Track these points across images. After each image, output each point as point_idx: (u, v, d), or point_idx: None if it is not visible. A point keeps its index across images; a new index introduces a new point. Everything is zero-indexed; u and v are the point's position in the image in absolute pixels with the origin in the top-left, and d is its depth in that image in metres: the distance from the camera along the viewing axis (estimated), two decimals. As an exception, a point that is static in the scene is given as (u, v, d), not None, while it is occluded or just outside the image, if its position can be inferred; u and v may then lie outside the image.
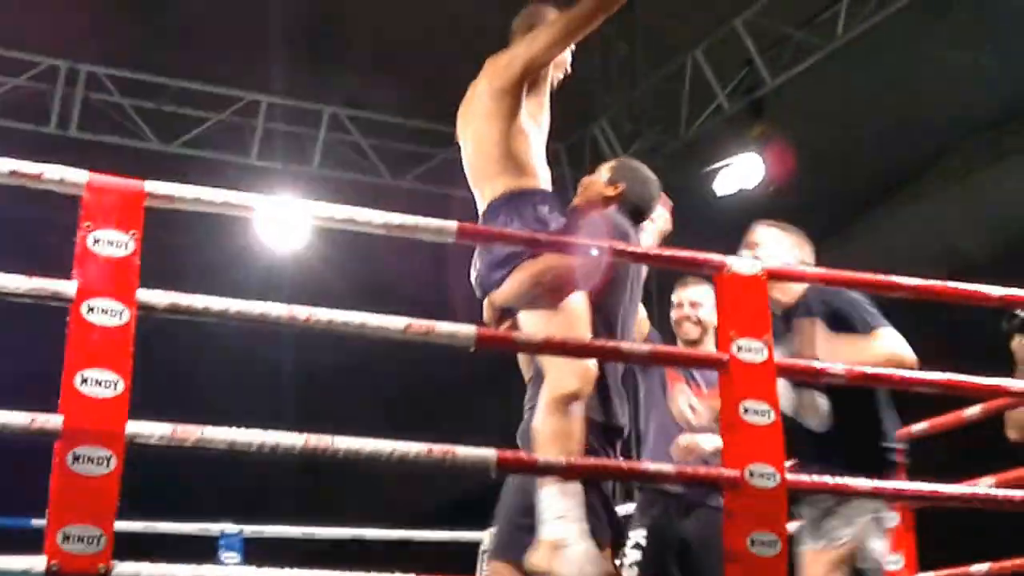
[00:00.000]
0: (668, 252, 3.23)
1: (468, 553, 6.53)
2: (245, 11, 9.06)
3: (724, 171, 9.13)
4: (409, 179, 10.01)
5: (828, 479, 3.29)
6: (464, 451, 2.67)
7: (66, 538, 2.25)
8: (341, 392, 11.72)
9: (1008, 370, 4.33)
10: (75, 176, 2.54)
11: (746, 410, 2.89)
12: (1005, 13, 8.70)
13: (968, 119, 9.67)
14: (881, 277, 3.58)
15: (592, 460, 3.13)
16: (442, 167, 10.08)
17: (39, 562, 2.25)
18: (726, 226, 8.98)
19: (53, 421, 2.32)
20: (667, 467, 3.52)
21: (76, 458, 2.30)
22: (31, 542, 2.33)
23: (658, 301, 10.29)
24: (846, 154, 9.75)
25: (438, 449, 2.63)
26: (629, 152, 10.04)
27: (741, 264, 3.06)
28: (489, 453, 2.67)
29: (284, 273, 9.31)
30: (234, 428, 2.49)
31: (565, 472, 2.88)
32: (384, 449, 2.54)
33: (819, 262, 4.11)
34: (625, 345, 3.16)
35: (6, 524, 5.95)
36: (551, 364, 3.21)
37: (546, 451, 2.98)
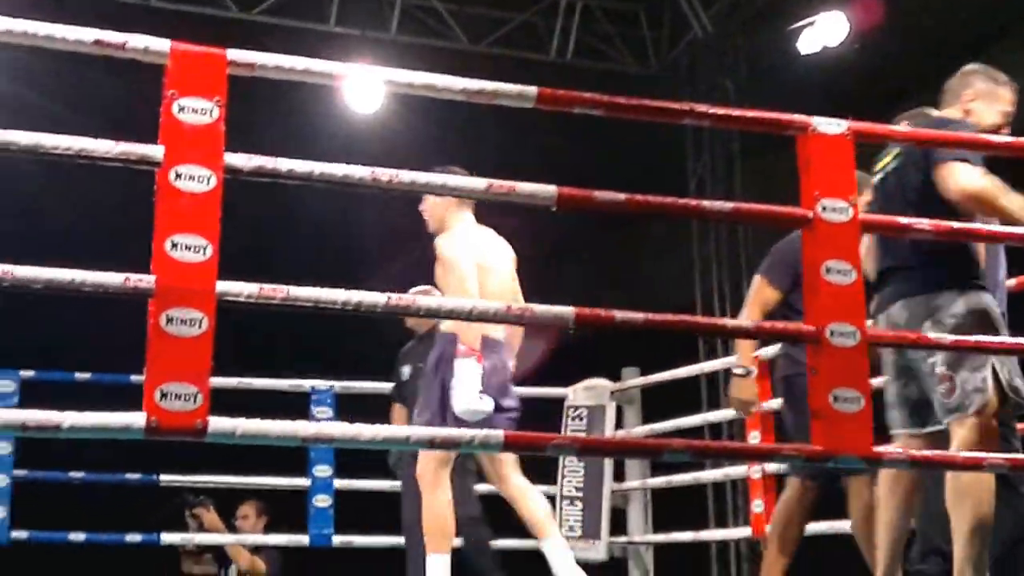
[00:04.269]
0: (751, 114, 3.20)
1: (547, 410, 6.64)
2: None
3: (808, 29, 8.97)
4: (487, 44, 9.93)
5: (909, 334, 3.30)
6: (542, 308, 2.74)
7: (163, 396, 2.33)
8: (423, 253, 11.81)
9: None
10: (158, 45, 2.57)
11: (828, 270, 2.90)
12: None
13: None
14: (973, 135, 3.53)
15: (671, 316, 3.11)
16: (520, 31, 9.99)
17: (139, 418, 2.33)
18: (810, 85, 8.90)
19: (146, 281, 2.40)
20: (747, 323, 3.54)
21: (169, 320, 2.37)
22: (129, 398, 2.41)
23: (741, 165, 10.24)
24: (936, 6, 9.49)
25: (516, 307, 2.68)
26: (710, 13, 9.89)
27: (826, 124, 3.03)
28: (567, 310, 2.72)
29: (365, 139, 9.33)
30: (318, 287, 2.56)
31: (643, 323, 2.88)
32: (464, 306, 2.59)
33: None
34: (707, 203, 3.16)
35: (103, 380, 6.15)
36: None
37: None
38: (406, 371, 5.85)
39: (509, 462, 4.60)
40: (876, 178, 3.92)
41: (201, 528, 7.04)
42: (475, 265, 4.52)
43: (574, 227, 11.14)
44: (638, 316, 2.79)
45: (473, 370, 4.35)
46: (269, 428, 2.47)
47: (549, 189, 2.79)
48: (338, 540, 6.20)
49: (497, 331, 4.57)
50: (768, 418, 5.60)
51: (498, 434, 2.73)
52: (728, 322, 3.35)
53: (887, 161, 3.86)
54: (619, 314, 2.78)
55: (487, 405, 4.37)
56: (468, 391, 4.33)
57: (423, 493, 4.49)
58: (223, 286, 2.44)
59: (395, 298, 2.57)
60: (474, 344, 4.36)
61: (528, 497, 4.56)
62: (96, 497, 6.80)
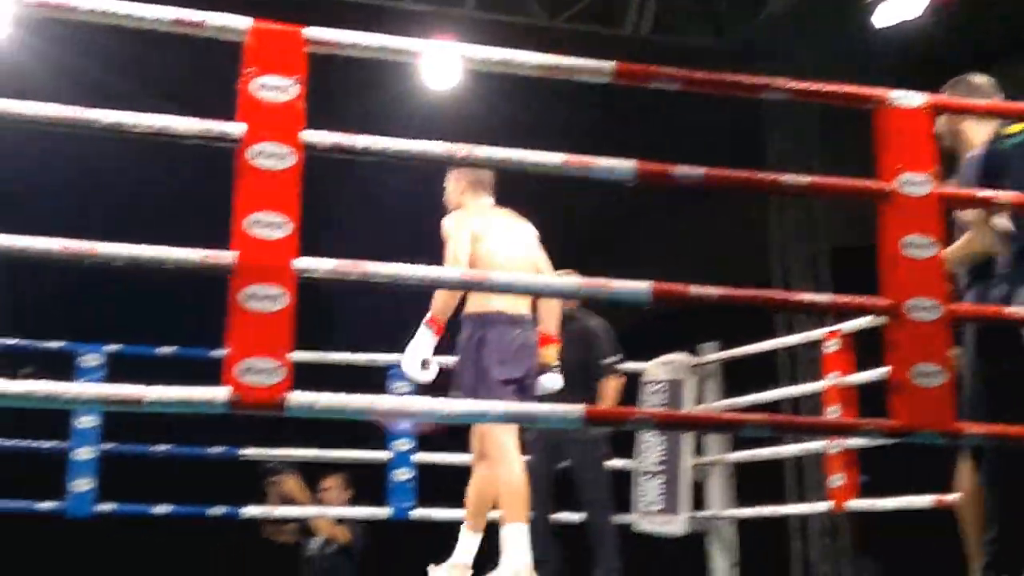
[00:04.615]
0: (829, 87, 3.17)
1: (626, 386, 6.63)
2: None
3: (885, 3, 8.83)
4: (564, 20, 9.89)
5: (989, 308, 3.25)
6: (619, 283, 2.74)
7: (244, 370, 2.37)
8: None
9: None
10: (237, 23, 2.60)
11: (906, 244, 2.87)
12: None
13: None
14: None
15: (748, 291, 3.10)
16: (597, 6, 9.94)
17: (221, 393, 2.37)
18: (888, 59, 8.76)
19: (226, 257, 2.43)
20: (824, 297, 3.51)
21: (250, 296, 2.40)
22: (207, 372, 2.45)
23: (821, 137, 10.12)
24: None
25: (591, 282, 2.69)
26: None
27: (904, 97, 3.00)
28: (643, 285, 2.72)
29: (442, 116, 9.35)
30: (395, 263, 2.58)
31: (719, 298, 2.87)
32: (536, 282, 2.60)
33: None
34: (784, 177, 3.14)
35: (184, 355, 6.24)
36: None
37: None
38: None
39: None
40: (1010, 142, 3.80)
41: (283, 498, 7.13)
42: (470, 238, 4.47)
43: (651, 205, 11.10)
44: (714, 291, 2.78)
45: (423, 338, 4.42)
46: (348, 402, 2.50)
47: (628, 164, 2.79)
48: (416, 513, 6.24)
49: (508, 304, 4.36)
50: (848, 392, 5.56)
51: (578, 409, 2.72)
52: (804, 296, 3.33)
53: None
54: (695, 289, 2.78)
55: (424, 376, 4.45)
56: (410, 357, 4.43)
57: (492, 468, 4.53)
58: (302, 262, 2.47)
59: (469, 274, 2.60)
60: (437, 315, 4.39)
61: (486, 482, 4.67)
62: (179, 469, 6.90)
